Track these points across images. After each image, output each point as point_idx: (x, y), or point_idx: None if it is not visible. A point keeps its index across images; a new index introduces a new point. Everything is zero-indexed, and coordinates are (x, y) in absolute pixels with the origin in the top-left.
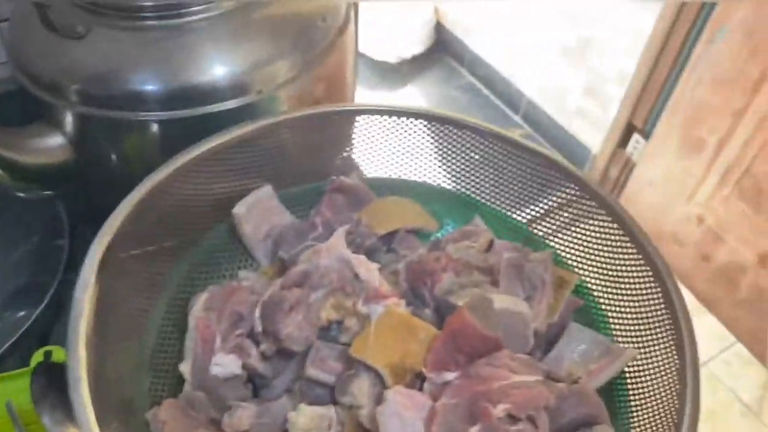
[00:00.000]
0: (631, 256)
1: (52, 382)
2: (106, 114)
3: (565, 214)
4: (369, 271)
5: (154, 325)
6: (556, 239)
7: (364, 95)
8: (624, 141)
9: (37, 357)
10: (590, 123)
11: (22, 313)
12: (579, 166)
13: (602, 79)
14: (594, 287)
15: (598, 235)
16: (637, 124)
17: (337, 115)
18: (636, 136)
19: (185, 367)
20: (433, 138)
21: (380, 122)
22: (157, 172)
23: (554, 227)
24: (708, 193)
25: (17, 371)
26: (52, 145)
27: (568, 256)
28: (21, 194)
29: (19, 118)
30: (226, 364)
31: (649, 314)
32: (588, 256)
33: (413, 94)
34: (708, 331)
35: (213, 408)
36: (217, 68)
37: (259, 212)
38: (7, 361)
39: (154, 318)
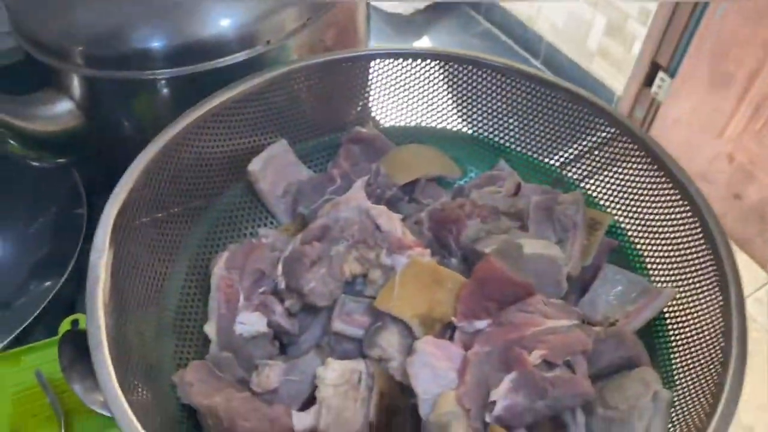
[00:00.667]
0: (667, 193)
1: (80, 351)
2: (112, 75)
3: (597, 154)
4: (391, 221)
5: (176, 287)
6: (587, 180)
7: None
8: (649, 80)
9: (65, 326)
10: (613, 64)
11: (47, 284)
12: None
13: (624, 17)
14: (629, 227)
15: (631, 173)
16: (661, 62)
17: (349, 61)
18: (661, 75)
19: (210, 328)
20: (451, 81)
21: (395, 67)
22: (166, 130)
23: (585, 169)
24: (738, 129)
25: (45, 341)
26: (60, 111)
27: (600, 196)
28: (35, 163)
29: (28, 90)
30: (250, 323)
31: (689, 252)
32: (621, 195)
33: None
34: (741, 270)
35: (240, 367)
36: (223, 20)
37: (276, 168)
38: (35, 331)
39: (175, 280)
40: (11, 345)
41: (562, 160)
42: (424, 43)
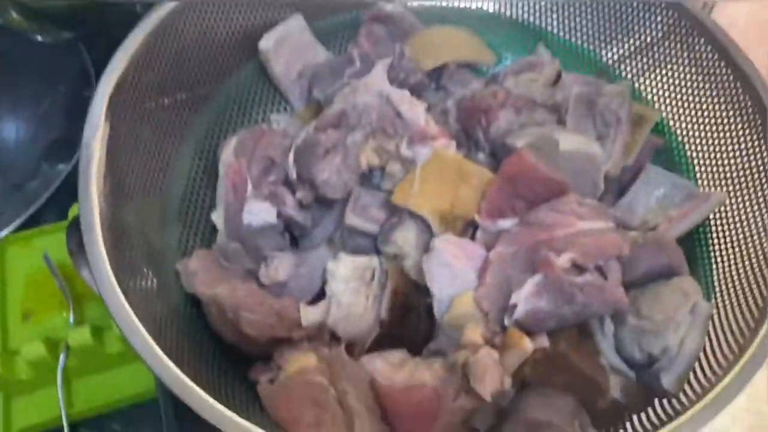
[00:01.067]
0: (727, 87)
1: None
2: None
3: (647, 43)
4: (413, 108)
5: (182, 172)
6: (633, 72)
7: None
8: None
9: (74, 210)
10: None
11: (59, 167)
12: None
13: None
14: (677, 126)
15: (685, 63)
16: None
17: None
18: None
19: (217, 217)
20: None
21: None
22: None
23: (633, 59)
24: None
25: (55, 224)
26: None
27: (648, 90)
28: (39, 38)
29: None
30: (259, 213)
31: (747, 154)
32: (671, 89)
33: None
34: None
35: (249, 258)
36: None
37: (290, 48)
38: (47, 213)
39: (181, 166)
40: (23, 227)
41: (608, 48)
42: None
